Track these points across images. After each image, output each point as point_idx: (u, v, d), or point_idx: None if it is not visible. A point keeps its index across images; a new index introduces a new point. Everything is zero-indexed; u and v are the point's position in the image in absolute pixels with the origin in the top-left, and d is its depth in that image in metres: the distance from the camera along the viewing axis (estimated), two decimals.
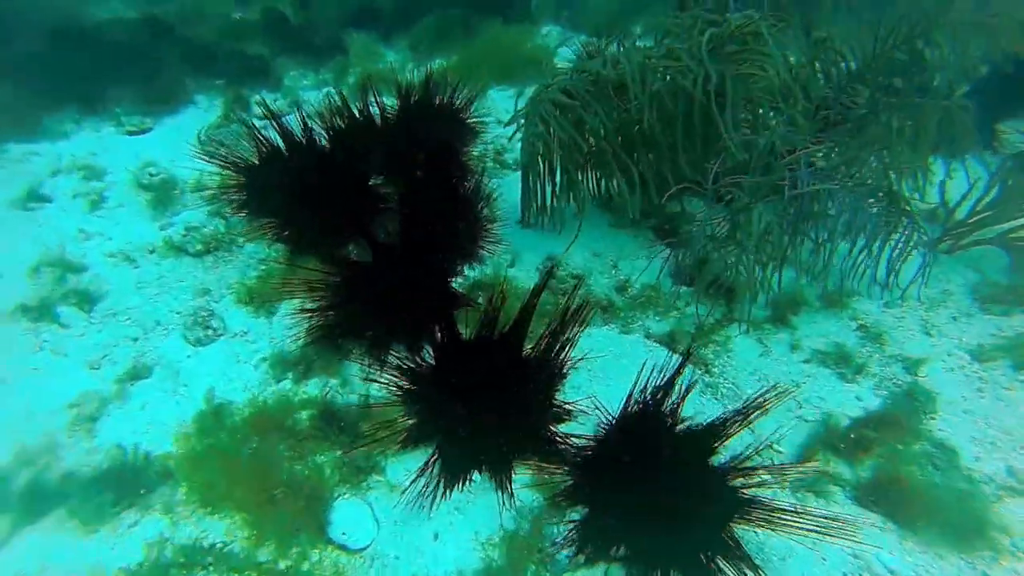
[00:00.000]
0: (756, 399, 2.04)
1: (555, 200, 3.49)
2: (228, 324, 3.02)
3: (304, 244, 3.33)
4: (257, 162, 3.65)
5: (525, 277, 3.29)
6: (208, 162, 3.64)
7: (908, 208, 2.78)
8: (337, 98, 4.12)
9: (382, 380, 2.53)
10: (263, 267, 3.29)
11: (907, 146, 3.10)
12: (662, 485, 1.96)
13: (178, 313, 3.08)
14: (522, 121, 3.27)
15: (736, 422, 2.03)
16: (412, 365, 2.50)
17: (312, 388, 2.65)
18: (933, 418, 2.49)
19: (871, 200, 2.70)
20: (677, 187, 3.04)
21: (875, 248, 2.91)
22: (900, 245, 2.86)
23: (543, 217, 3.58)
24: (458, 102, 4.44)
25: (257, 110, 5.45)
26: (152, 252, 3.49)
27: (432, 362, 2.49)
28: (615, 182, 3.43)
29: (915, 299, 3.10)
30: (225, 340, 2.94)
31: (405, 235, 2.97)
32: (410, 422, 2.42)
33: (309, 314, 2.86)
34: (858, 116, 3.08)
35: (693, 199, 3.70)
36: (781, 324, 2.95)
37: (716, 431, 2.05)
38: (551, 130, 3.10)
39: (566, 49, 6.94)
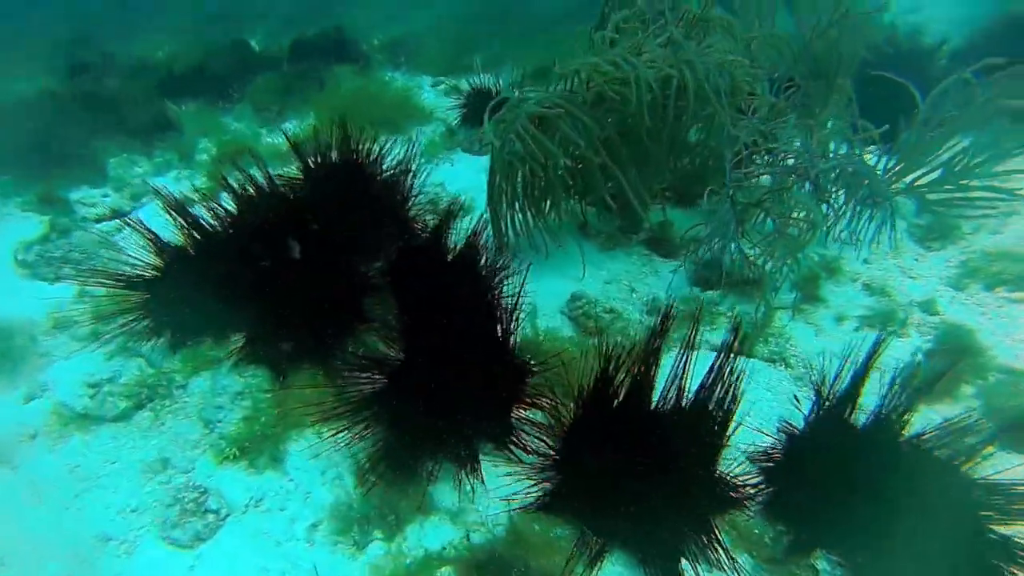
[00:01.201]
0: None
1: (530, 225, 3.24)
2: (227, 496, 2.14)
3: (297, 351, 2.55)
4: (159, 265, 2.75)
5: (557, 323, 2.95)
6: (79, 283, 2.65)
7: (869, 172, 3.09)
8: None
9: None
10: (240, 402, 2.42)
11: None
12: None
13: (134, 511, 2.11)
14: (487, 142, 2.97)
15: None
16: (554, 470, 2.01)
17: (422, 536, 1.98)
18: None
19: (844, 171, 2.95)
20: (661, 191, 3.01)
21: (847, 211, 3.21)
22: (867, 204, 3.17)
23: (516, 244, 3.31)
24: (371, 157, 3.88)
25: (88, 210, 4.21)
26: (33, 438, 2.38)
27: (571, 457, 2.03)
28: (600, 198, 3.30)
29: (883, 249, 3.46)
30: (236, 520, 2.08)
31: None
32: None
33: (353, 436, 2.16)
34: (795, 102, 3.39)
35: (666, 206, 3.74)
36: (815, 301, 3.05)
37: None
38: (527, 147, 2.82)
39: (431, 92, 6.70)
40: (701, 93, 2.80)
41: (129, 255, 2.91)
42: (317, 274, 2.67)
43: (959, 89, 3.48)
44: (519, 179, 3.01)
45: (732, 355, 1.94)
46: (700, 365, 1.96)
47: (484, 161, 5.26)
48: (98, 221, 4.24)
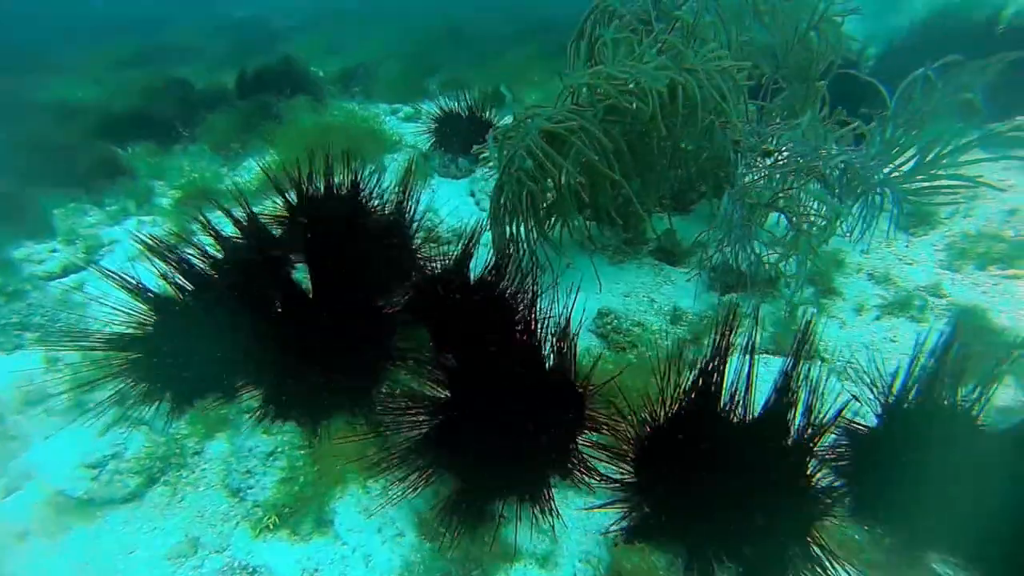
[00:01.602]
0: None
1: (535, 243, 3.16)
2: (277, 573, 1.89)
3: (328, 399, 2.31)
4: (147, 319, 2.48)
5: (586, 341, 2.86)
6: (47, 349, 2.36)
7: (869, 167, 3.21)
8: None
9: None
10: (274, 462, 2.17)
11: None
12: None
13: None
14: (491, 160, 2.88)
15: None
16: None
17: None
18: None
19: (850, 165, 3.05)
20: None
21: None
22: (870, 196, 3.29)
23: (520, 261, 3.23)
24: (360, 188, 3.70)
25: (35, 267, 3.78)
26: (23, 537, 2.04)
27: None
28: (606, 211, 3.27)
29: (876, 240, 3.59)
30: None
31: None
32: None
33: (409, 486, 1.97)
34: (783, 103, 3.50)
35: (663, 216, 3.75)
36: (831, 294, 3.11)
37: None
38: (540, 164, 2.75)
39: (393, 120, 6.55)
40: (708, 99, 2.83)
41: (106, 311, 2.60)
42: (335, 313, 2.46)
43: (921, 85, 3.70)
44: (525, 196, 2.92)
45: (799, 358, 1.91)
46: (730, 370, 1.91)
47: (464, 184, 5.18)
48: (49, 279, 3.81)
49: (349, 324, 2.40)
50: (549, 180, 3.04)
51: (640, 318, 3.03)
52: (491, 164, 3.47)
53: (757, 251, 3.05)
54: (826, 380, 2.65)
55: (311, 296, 2.50)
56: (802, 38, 3.35)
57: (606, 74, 2.71)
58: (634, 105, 2.63)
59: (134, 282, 2.55)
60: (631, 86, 2.70)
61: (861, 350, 2.78)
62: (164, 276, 2.70)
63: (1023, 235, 3.46)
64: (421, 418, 2.16)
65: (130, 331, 2.61)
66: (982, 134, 3.79)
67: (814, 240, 2.80)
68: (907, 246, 3.61)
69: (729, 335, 1.97)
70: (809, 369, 1.91)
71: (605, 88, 2.64)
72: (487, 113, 5.33)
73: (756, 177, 3.09)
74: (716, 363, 1.96)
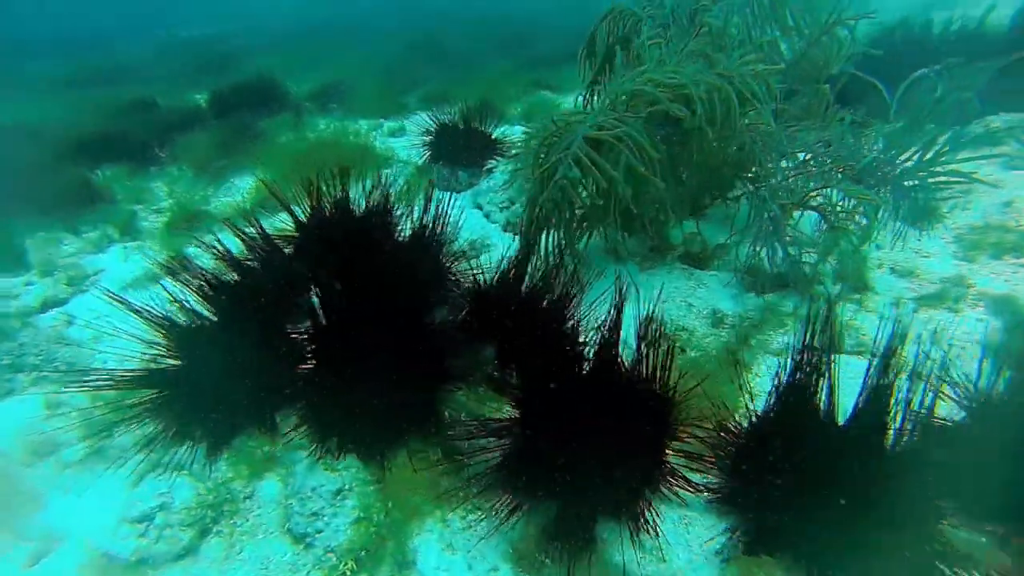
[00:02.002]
0: None
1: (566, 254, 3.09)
2: None
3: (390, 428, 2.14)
4: (167, 350, 2.28)
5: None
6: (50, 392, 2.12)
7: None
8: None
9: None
10: (343, 501, 1.98)
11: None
12: None
13: None
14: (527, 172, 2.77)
15: None
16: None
17: None
18: None
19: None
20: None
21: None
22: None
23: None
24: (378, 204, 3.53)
25: (9, 304, 3.44)
26: None
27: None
28: (639, 221, 3.22)
29: (886, 235, 3.68)
30: None
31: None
32: None
33: (496, 515, 1.83)
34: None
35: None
36: (864, 290, 3.15)
37: None
38: (590, 174, 2.66)
39: (379, 135, 6.37)
40: (745, 103, 2.83)
41: (116, 344, 2.36)
42: (382, 334, 2.30)
43: (921, 85, 3.85)
44: (568, 206, 2.82)
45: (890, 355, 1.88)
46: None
47: (467, 197, 5.05)
48: (27, 315, 3.46)
49: (403, 344, 2.24)
50: (582, 190, 2.97)
51: (683, 323, 2.99)
52: (519, 174, 3.39)
53: (791, 251, 3.07)
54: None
55: (353, 317, 2.33)
56: (815, 41, 3.43)
57: (655, 80, 2.66)
58: (685, 112, 2.58)
59: (149, 310, 2.32)
60: (681, 92, 2.66)
61: (910, 343, 2.81)
62: (181, 303, 2.49)
63: None
64: (497, 441, 2.03)
65: (149, 366, 2.38)
66: (958, 134, 3.96)
67: (855, 238, 2.82)
68: (919, 240, 3.71)
69: (814, 332, 1.94)
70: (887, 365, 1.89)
71: (653, 94, 2.58)
72: (484, 125, 5.24)
73: (786, 177, 3.12)
74: (808, 360, 1.92)
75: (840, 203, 2.93)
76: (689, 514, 1.99)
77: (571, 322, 2.55)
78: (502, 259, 2.93)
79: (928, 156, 3.99)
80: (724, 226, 3.58)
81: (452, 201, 4.76)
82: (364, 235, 2.94)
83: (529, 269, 2.63)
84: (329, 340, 2.24)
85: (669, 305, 3.16)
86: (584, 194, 2.99)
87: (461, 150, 5.11)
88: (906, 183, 4.04)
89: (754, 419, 2.01)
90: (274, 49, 9.31)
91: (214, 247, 2.92)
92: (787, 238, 3.10)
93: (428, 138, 5.40)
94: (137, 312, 2.33)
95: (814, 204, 3.02)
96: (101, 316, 3.10)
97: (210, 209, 4.39)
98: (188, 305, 2.46)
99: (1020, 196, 3.96)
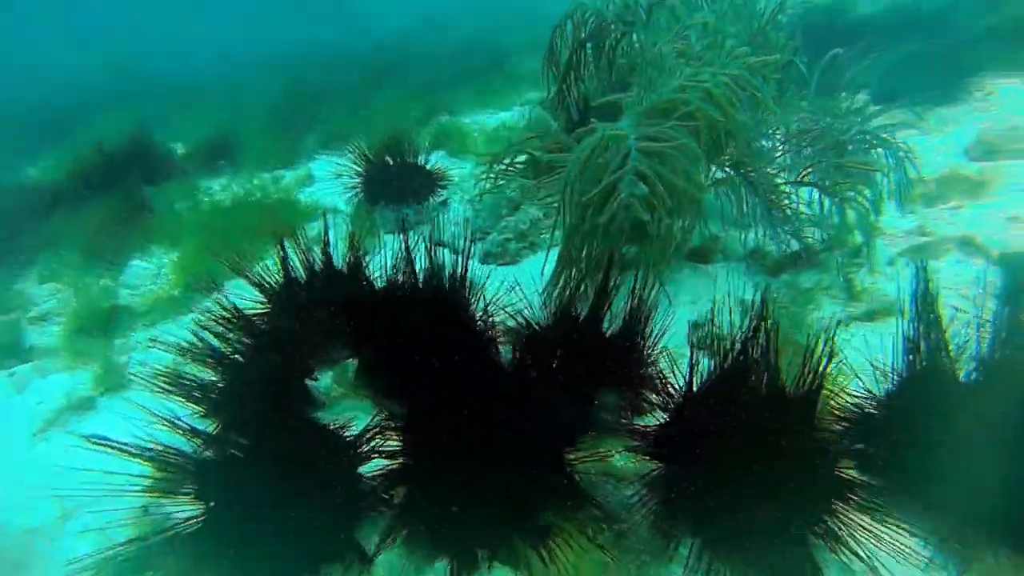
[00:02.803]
0: None
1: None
2: None
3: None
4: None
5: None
6: None
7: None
8: None
9: None
10: None
11: None
12: None
13: None
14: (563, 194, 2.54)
15: None
16: None
17: None
18: None
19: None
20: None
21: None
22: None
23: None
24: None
25: None
26: None
27: None
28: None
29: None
30: None
31: None
32: None
33: None
34: None
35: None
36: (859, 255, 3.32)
37: None
38: (656, 188, 2.50)
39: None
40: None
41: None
42: (482, 410, 1.89)
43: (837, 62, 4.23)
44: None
45: None
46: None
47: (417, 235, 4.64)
48: None
49: (509, 414, 1.88)
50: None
51: (725, 320, 2.93)
52: (546, 201, 3.11)
53: (797, 227, 3.16)
54: None
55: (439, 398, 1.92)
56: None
57: (689, 84, 2.55)
58: (717, 115, 2.50)
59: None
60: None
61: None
62: (174, 422, 1.91)
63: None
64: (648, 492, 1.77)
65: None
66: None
67: (867, 213, 2.95)
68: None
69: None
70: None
71: (690, 101, 2.46)
72: (413, 158, 4.88)
73: (774, 158, 3.22)
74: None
75: (840, 178, 3.06)
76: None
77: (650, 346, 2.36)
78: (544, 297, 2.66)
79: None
80: (711, 216, 3.63)
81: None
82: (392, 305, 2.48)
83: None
84: (419, 429, 1.82)
85: (700, 305, 3.10)
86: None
87: (401, 188, 4.71)
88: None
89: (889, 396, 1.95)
90: (124, 103, 8.09)
91: (190, 344, 2.31)
92: (791, 216, 3.20)
93: (357, 180, 4.92)
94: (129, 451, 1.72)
95: (810, 180, 3.14)
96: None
97: (128, 304, 3.57)
98: (187, 426, 1.89)
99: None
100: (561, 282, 2.73)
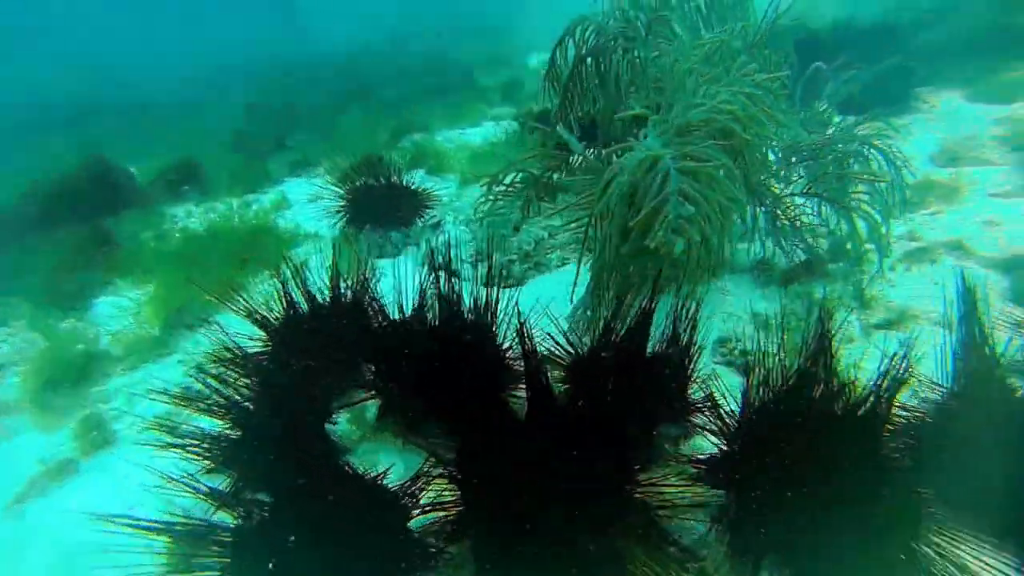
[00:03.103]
0: None
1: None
2: None
3: None
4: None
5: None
6: None
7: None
8: None
9: None
10: None
11: None
12: None
13: None
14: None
15: None
16: None
17: None
18: None
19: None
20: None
21: None
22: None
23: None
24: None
25: None
26: None
27: None
28: None
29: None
30: None
31: None
32: None
33: None
34: None
35: None
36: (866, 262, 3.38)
37: None
38: (703, 208, 2.38)
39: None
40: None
41: None
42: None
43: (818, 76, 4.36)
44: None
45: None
46: None
47: (410, 260, 4.46)
48: None
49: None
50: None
51: (738, 334, 2.90)
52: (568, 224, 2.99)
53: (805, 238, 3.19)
54: None
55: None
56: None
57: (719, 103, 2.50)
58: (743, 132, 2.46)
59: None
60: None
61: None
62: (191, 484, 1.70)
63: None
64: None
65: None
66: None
67: (877, 223, 3.00)
68: None
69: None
70: None
71: (721, 120, 2.42)
72: (402, 178, 4.73)
73: (779, 171, 3.24)
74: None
75: (845, 189, 3.10)
76: None
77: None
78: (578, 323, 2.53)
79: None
80: None
81: (398, 268, 4.21)
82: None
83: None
84: (475, 473, 1.67)
85: (714, 321, 3.06)
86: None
87: (386, 210, 4.54)
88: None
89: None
90: (77, 125, 7.57)
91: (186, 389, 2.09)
92: (797, 227, 3.22)
93: (339, 202, 4.72)
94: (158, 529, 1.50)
95: (816, 191, 3.17)
96: None
97: (101, 347, 3.25)
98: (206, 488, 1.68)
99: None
100: (596, 304, 2.64)
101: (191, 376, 2.23)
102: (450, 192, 5.10)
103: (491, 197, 3.49)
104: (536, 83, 9.68)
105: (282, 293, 2.69)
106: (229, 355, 2.35)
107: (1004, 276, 3.18)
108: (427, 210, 4.72)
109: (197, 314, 3.43)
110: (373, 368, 2.31)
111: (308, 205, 5.52)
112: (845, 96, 4.52)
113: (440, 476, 1.76)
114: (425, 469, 1.76)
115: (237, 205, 5.70)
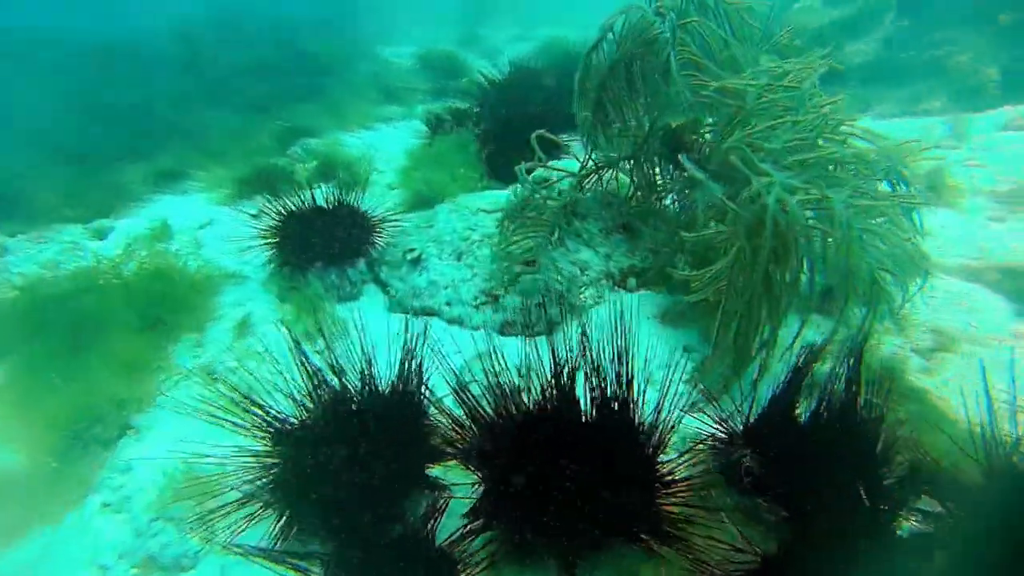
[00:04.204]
0: None
1: None
2: None
3: None
4: None
5: None
6: None
7: None
8: None
9: None
10: None
11: None
12: None
13: None
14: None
15: None
16: None
17: None
18: None
19: None
20: None
21: None
22: None
23: None
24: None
25: None
26: None
27: None
28: None
29: None
30: None
31: None
32: None
33: None
34: None
35: None
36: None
37: None
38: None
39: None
40: None
41: None
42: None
43: None
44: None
45: None
46: None
47: (378, 301, 3.56)
48: None
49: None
50: None
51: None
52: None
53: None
54: None
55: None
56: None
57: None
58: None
59: None
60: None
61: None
62: None
63: None
64: None
65: None
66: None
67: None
68: None
69: None
70: None
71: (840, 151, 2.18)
72: (351, 198, 3.82)
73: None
74: None
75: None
76: None
77: None
78: None
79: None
80: None
81: (374, 313, 3.39)
82: None
83: None
84: None
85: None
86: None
87: (333, 242, 3.61)
88: None
89: None
90: None
91: None
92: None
93: (256, 229, 3.67)
94: None
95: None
96: None
97: None
98: None
99: None
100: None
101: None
102: (389, 208, 4.12)
103: (508, 230, 2.90)
104: (403, 79, 8.93)
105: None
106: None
107: None
108: (375, 235, 3.84)
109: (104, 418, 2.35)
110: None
111: (201, 232, 4.29)
112: None
113: None
114: None
115: (85, 235, 4.24)
